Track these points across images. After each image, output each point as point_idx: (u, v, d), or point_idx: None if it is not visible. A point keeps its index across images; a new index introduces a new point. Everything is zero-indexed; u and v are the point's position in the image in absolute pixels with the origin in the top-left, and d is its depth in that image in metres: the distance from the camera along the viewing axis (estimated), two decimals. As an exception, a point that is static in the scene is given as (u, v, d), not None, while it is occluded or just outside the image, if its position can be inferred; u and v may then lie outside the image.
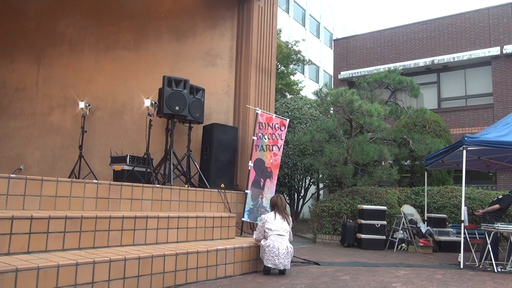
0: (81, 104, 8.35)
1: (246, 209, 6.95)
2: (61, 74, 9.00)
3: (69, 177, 7.63)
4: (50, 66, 9.14)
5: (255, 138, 7.19)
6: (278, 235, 5.37)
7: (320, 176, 14.63)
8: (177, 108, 6.84)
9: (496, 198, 7.89)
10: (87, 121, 8.33)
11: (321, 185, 16.58)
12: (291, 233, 5.66)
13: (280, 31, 19.17)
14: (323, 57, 30.40)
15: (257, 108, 7.38)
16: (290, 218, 5.71)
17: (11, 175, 4.23)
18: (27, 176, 4.36)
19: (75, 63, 8.94)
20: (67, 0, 9.23)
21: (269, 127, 7.40)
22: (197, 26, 8.32)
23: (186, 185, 6.89)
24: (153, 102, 7.38)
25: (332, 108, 12.18)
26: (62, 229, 4.01)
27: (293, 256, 5.63)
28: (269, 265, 5.25)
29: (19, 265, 3.27)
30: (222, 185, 7.10)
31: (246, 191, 7.01)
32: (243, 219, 6.91)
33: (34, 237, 3.81)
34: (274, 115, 7.66)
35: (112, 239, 4.45)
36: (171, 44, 8.39)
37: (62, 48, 9.11)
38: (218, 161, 7.30)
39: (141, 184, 5.59)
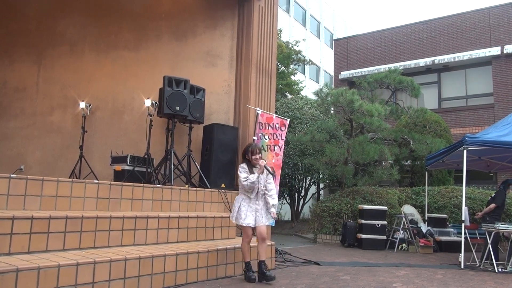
0: (82, 104, 8.35)
1: (246, 209, 6.93)
2: (61, 74, 8.99)
3: (69, 177, 7.63)
4: (51, 66, 9.13)
5: (255, 138, 7.18)
6: None
7: (321, 176, 14.63)
8: (177, 108, 6.84)
9: (490, 198, 7.87)
10: (88, 121, 8.32)
11: (321, 185, 16.58)
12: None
13: (281, 31, 19.16)
14: (323, 57, 30.40)
15: (258, 108, 7.38)
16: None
17: (11, 175, 4.23)
18: (28, 176, 4.35)
19: (75, 63, 8.93)
20: (67, 0, 9.22)
21: (269, 127, 7.40)
22: (197, 26, 8.31)
23: (187, 185, 6.89)
24: (154, 102, 7.38)
25: (332, 108, 12.19)
26: (62, 229, 4.01)
27: (294, 256, 5.62)
28: None
29: (20, 265, 3.27)
30: (223, 185, 7.09)
31: (247, 191, 6.99)
32: (243, 219, 6.89)
33: (35, 237, 3.80)
34: (275, 115, 7.66)
35: (113, 239, 4.45)
36: (171, 44, 8.38)
37: (62, 48, 9.10)
38: (219, 161, 7.29)
39: (142, 184, 5.58)
